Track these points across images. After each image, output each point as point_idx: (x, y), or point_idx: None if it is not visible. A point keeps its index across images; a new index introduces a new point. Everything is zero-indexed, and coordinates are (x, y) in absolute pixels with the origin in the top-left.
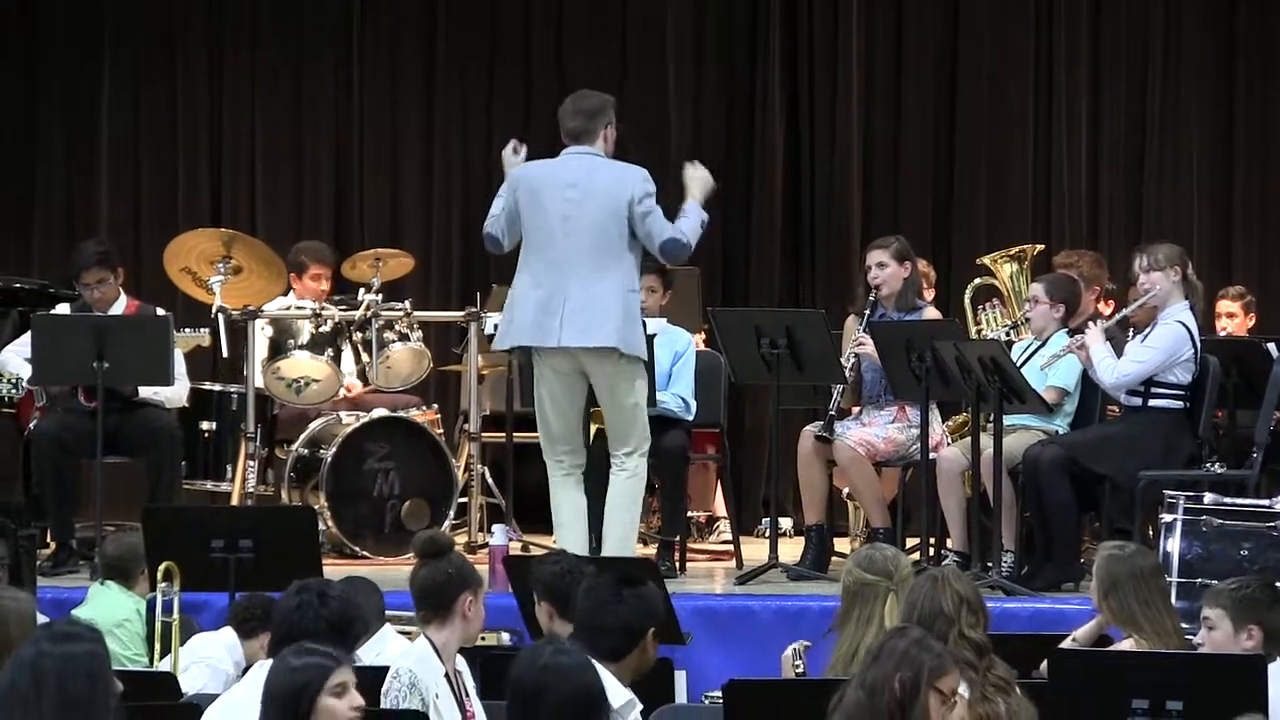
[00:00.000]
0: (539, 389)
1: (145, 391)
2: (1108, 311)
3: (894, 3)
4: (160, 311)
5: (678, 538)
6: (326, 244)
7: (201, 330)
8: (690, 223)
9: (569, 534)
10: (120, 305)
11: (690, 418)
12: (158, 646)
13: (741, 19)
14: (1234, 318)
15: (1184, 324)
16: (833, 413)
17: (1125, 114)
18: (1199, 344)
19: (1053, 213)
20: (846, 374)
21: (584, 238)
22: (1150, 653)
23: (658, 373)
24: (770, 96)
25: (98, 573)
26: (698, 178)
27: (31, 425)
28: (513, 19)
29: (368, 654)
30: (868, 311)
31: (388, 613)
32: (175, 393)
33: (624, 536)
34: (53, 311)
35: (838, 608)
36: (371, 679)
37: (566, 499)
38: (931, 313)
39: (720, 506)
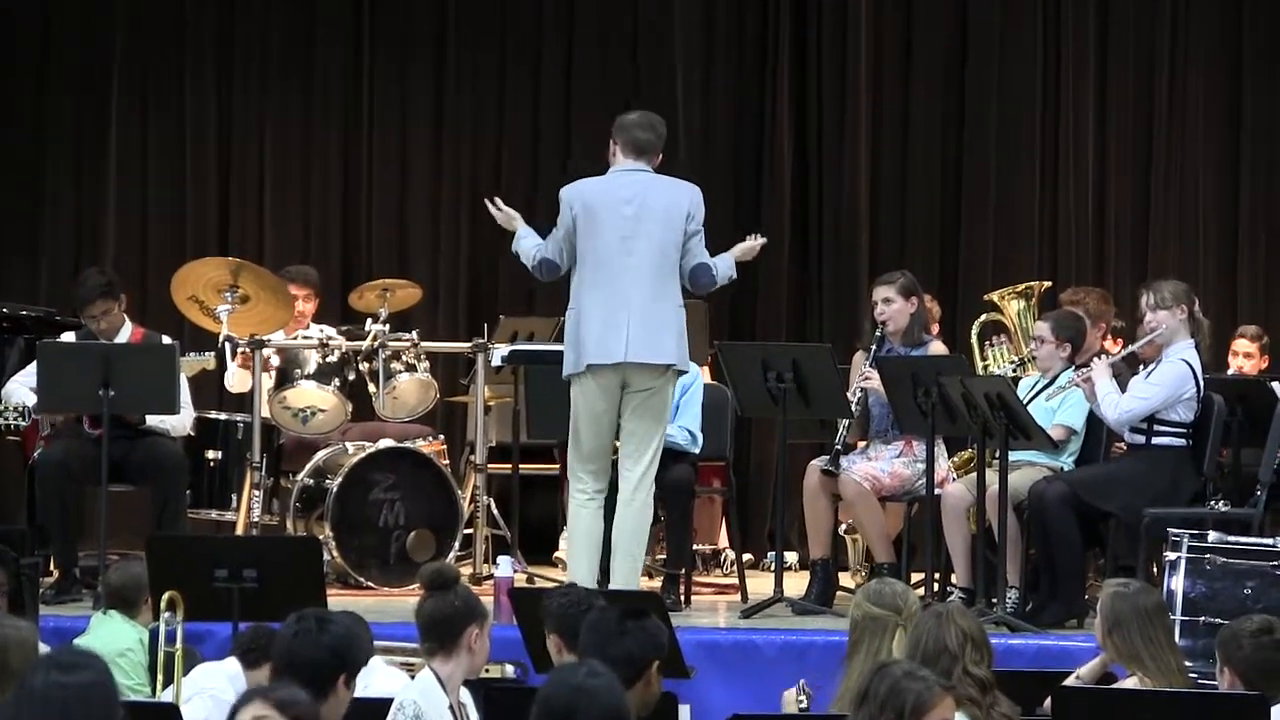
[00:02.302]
0: (578, 404)
1: (151, 419)
2: (1115, 348)
3: (902, 34)
4: (166, 339)
5: (683, 571)
6: (335, 274)
7: (206, 354)
8: (724, 263)
9: (580, 562)
10: (125, 333)
11: (697, 450)
12: (160, 676)
13: (751, 48)
14: (1250, 358)
15: (1187, 362)
16: (838, 447)
17: (1132, 149)
18: (1202, 382)
19: (1059, 249)
20: (853, 408)
21: (643, 254)
22: (1154, 690)
23: None
24: (778, 129)
25: (101, 601)
26: (750, 247)
27: (36, 454)
28: (522, 43)
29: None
30: (874, 346)
31: (386, 644)
32: (180, 421)
33: (631, 570)
34: (59, 339)
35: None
36: (360, 712)
37: (583, 527)
38: (938, 347)
39: (725, 539)
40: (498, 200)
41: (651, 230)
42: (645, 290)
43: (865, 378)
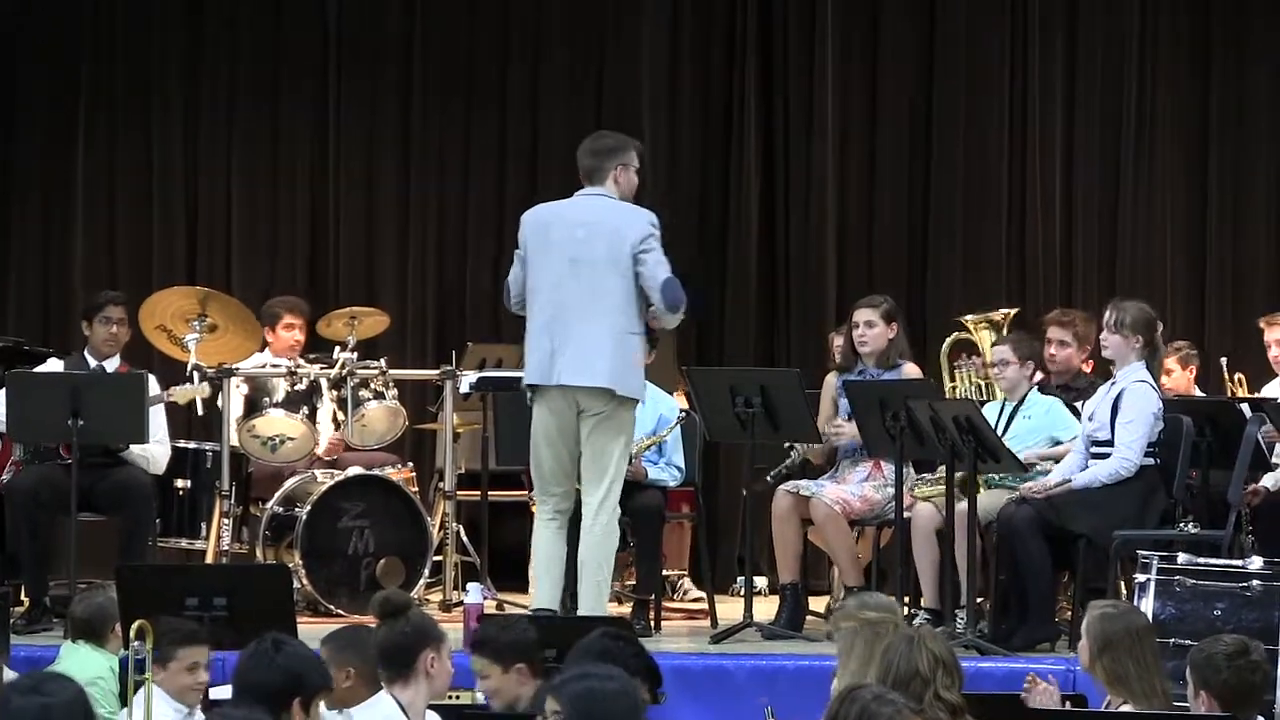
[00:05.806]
0: (535, 427)
1: (134, 449)
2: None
3: (868, 65)
4: (152, 379)
5: (653, 596)
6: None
7: (202, 383)
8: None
9: (544, 583)
10: (114, 363)
11: (680, 481)
12: (131, 704)
13: (717, 81)
14: (1170, 373)
15: (1146, 383)
16: (784, 469)
17: (1100, 175)
18: (1160, 399)
19: (1027, 279)
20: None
21: (588, 279)
22: (1114, 714)
23: (638, 432)
24: (745, 157)
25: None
26: None
27: (6, 480)
28: (489, 79)
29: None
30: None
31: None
32: (160, 453)
33: (597, 596)
34: (31, 369)
35: (833, 659)
36: None
37: (545, 547)
38: (911, 370)
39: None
40: None
41: (598, 255)
42: (586, 312)
43: (837, 428)
